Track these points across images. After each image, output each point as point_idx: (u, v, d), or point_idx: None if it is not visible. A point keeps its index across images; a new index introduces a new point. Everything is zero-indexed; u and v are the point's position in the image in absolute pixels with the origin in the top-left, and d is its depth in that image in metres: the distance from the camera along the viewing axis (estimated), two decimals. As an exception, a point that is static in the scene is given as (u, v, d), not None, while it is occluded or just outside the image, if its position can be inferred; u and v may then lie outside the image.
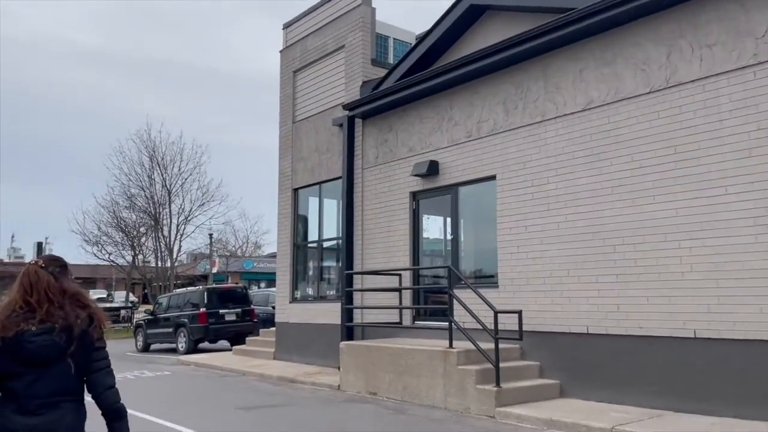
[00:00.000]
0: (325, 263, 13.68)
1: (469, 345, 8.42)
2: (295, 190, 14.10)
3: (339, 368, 11.40)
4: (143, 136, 28.11)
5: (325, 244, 13.50)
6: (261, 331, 15.96)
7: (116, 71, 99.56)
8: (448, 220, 10.76)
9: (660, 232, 7.52)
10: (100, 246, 28.88)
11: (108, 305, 32.09)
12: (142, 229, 28.37)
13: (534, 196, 8.97)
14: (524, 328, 8.12)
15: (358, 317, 11.60)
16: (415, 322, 10.71)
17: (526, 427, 7.07)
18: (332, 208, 13.43)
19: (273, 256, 57.89)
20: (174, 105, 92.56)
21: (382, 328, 10.74)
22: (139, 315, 25.40)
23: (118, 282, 47.17)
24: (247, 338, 15.98)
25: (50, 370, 2.60)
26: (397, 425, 7.33)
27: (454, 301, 8.70)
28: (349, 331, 11.55)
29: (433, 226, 11.08)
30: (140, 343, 19.16)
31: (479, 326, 8.31)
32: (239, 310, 18.13)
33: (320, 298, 13.24)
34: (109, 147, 50.22)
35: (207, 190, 28.44)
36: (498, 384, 7.77)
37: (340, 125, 12.55)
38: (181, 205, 27.89)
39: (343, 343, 10.14)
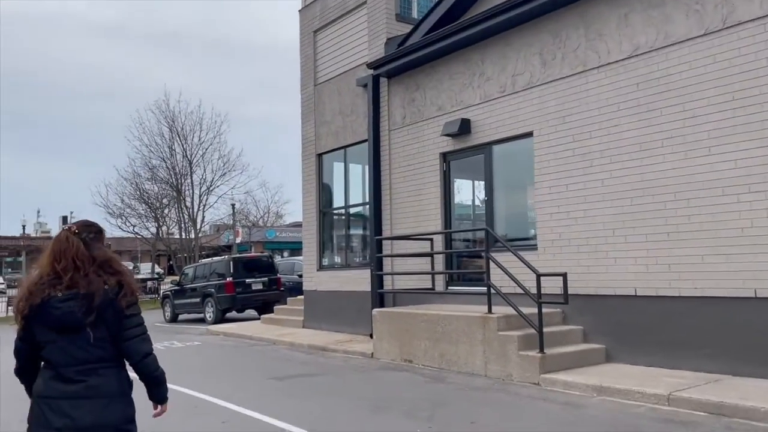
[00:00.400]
0: (353, 230, 13.35)
1: (508, 310, 8.06)
2: (319, 156, 13.70)
3: (371, 336, 11.17)
4: (162, 107, 27.83)
5: (352, 210, 13.14)
6: (288, 299, 15.78)
7: (129, 45, 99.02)
8: (480, 181, 10.31)
9: (717, 186, 6.99)
10: (124, 218, 28.95)
11: (135, 277, 32.34)
12: (165, 201, 28.30)
13: (575, 153, 8.45)
14: (569, 291, 7.73)
15: (388, 284, 11.30)
16: (449, 288, 10.37)
17: (573, 394, 6.72)
18: (358, 172, 13.02)
19: (294, 225, 57.99)
20: (189, 78, 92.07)
21: (414, 294, 10.43)
22: (166, 286, 25.50)
23: (143, 254, 47.63)
24: (275, 307, 15.84)
25: (80, 337, 2.56)
26: (438, 393, 7.03)
27: (491, 265, 8.30)
28: (379, 298, 11.25)
29: (465, 189, 10.62)
30: (168, 314, 19.18)
31: (518, 291, 7.93)
32: (266, 278, 17.98)
33: (348, 265, 12.94)
34: (129, 118, 50.02)
35: (228, 160, 28.21)
36: (542, 350, 7.41)
37: (365, 86, 12.05)
38: (202, 176, 27.73)
39: (375, 310, 9.85)
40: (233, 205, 34.21)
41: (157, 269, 41.09)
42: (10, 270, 53.10)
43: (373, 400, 6.79)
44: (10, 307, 23.90)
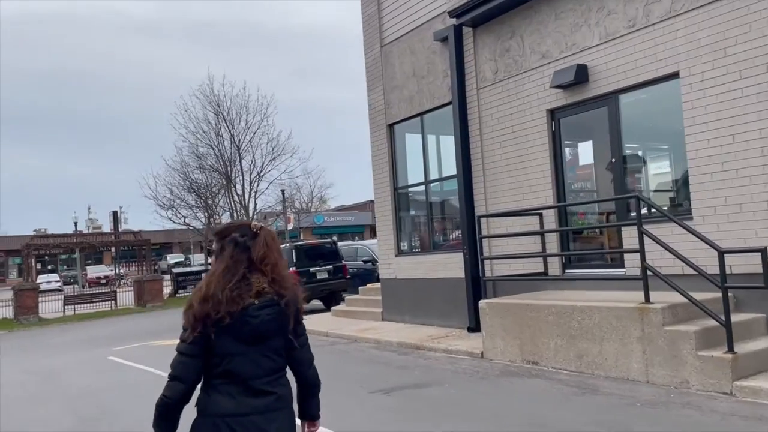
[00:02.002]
0: (436, 209, 11.75)
1: (669, 297, 6.37)
2: (390, 126, 12.10)
3: (468, 329, 9.75)
4: (206, 91, 26.63)
5: (434, 186, 11.52)
6: (360, 288, 14.34)
7: (168, 40, 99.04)
8: (594, 140, 8.56)
9: None
10: (174, 210, 28.08)
11: (188, 269, 31.68)
12: (214, 189, 27.24)
13: (744, 93, 6.60)
14: (740, 270, 6.07)
15: (485, 269, 9.70)
16: (566, 272, 8.69)
17: (794, 409, 5.01)
18: (440, 143, 11.41)
19: (340, 209, 56.90)
20: (227, 67, 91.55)
21: (519, 281, 8.75)
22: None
23: (194, 246, 47.25)
24: (345, 297, 14.45)
25: (267, 346, 2.35)
26: (603, 411, 5.42)
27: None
28: (475, 286, 9.70)
29: (581, 152, 8.84)
30: (228, 308, 18.06)
31: (673, 272, 6.24)
32: (330, 266, 16.61)
33: (433, 249, 11.37)
34: (173, 106, 49.18)
35: (277, 143, 26.88)
36: (731, 349, 5.70)
37: (444, 39, 10.36)
38: (252, 161, 26.51)
39: (483, 301, 8.26)
40: (283, 191, 33.06)
41: (210, 260, 40.53)
42: (65, 267, 53.72)
43: (523, 424, 5.22)
44: (68, 306, 23.31)
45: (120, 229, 39.34)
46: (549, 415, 5.44)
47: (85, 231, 55.73)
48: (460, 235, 10.54)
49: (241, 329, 2.27)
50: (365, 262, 18.22)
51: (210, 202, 27.72)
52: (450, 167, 10.78)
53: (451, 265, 10.43)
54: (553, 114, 8.84)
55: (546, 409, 5.67)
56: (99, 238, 29.98)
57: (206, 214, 28.48)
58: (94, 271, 45.68)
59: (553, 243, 8.81)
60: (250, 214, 26.10)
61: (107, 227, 51.20)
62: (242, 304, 2.28)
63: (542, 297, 7.91)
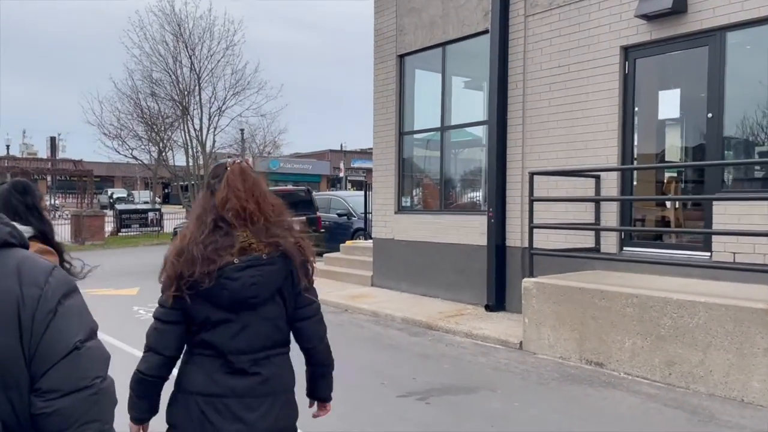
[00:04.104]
0: (451, 161, 9.92)
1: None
2: (401, 57, 10.08)
3: (486, 308, 8.20)
4: (166, 9, 23.51)
5: (454, 134, 9.66)
6: (342, 246, 12.52)
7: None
8: (683, 89, 6.91)
9: None
10: (120, 140, 25.18)
11: (132, 207, 28.99)
12: (168, 121, 24.42)
13: None
14: None
15: (513, 239, 8.07)
16: (624, 250, 7.11)
17: None
18: (449, 81, 9.54)
19: (296, 156, 54.26)
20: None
21: (558, 257, 7.05)
22: (167, 217, 22.25)
23: (139, 181, 44.00)
24: (324, 255, 12.59)
25: (257, 316, 1.93)
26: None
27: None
28: (500, 257, 8.11)
29: (664, 101, 7.11)
30: (181, 255, 15.95)
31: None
32: (303, 218, 14.60)
33: (444, 208, 9.59)
34: (127, 21, 44.30)
35: (242, 76, 24.17)
36: None
37: (486, -49, 8.37)
38: (213, 93, 23.78)
39: (530, 280, 6.57)
40: (242, 131, 30.48)
41: (156, 198, 37.66)
42: (-7, 193, 49.32)
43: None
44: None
45: (57, 157, 35.90)
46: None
47: (19, 156, 51.24)
48: (482, 195, 8.85)
49: (217, 293, 1.87)
50: (340, 215, 16.35)
51: (162, 135, 24.94)
52: (473, 112, 8.99)
53: (467, 230, 8.72)
54: (628, 52, 7.07)
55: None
56: (34, 164, 26.81)
57: (157, 147, 25.72)
58: (25, 201, 41.86)
59: (610, 214, 7.18)
60: (207, 151, 23.57)
61: (43, 154, 47.08)
62: (220, 262, 1.87)
63: (608, 280, 6.28)
